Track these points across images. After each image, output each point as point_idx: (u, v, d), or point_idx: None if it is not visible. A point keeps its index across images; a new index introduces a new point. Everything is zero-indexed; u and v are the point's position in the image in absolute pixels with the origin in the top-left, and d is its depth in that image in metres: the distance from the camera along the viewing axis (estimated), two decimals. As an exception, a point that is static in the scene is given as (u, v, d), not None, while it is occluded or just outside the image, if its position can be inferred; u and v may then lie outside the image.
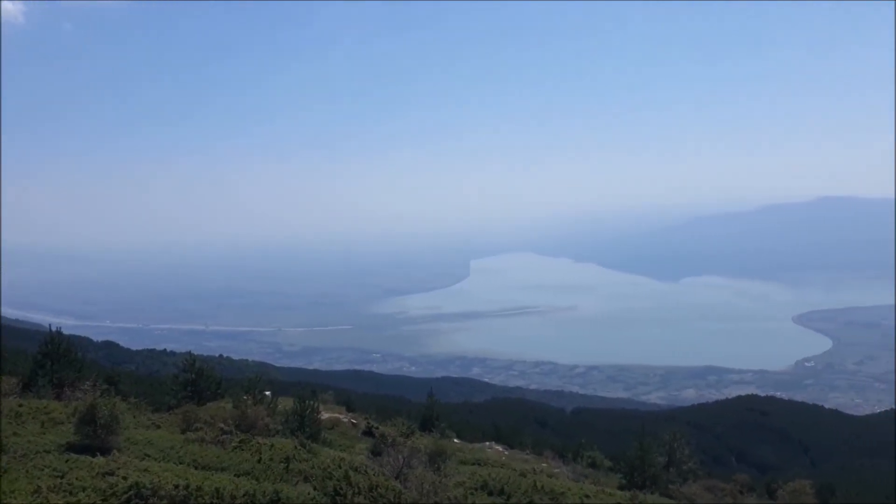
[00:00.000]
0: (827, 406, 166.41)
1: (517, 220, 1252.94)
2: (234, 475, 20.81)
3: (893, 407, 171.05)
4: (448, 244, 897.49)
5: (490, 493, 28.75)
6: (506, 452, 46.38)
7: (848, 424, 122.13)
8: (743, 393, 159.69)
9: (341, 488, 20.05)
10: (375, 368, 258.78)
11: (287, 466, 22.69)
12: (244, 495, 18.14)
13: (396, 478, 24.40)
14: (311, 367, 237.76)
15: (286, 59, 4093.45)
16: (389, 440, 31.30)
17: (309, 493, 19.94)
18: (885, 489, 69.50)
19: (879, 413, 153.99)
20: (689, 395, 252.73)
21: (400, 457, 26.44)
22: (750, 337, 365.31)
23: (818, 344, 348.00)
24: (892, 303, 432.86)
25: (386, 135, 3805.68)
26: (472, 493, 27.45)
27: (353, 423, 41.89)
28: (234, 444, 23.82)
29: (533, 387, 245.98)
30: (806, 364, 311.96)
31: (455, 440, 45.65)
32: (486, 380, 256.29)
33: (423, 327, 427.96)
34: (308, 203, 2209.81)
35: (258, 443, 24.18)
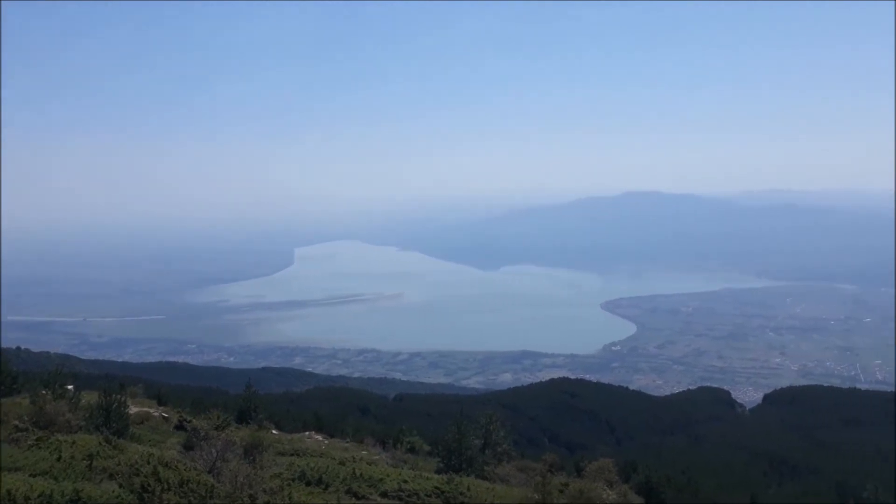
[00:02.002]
0: (631, 387, 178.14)
1: (344, 208, 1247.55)
2: (30, 475, 19.40)
3: (689, 388, 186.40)
4: (271, 231, 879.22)
5: (308, 483, 28.51)
6: (326, 441, 46.12)
7: (650, 404, 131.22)
8: (556, 376, 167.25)
9: (149, 485, 19.17)
10: (191, 360, 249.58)
11: (90, 464, 21.42)
12: (39, 496, 16.95)
13: (209, 472, 23.68)
14: (120, 360, 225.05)
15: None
16: (202, 434, 30.23)
17: (114, 492, 18.93)
18: (681, 464, 75.42)
19: (678, 393, 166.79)
20: (506, 379, 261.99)
21: (213, 450, 25.67)
22: (563, 323, 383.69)
23: (624, 329, 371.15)
24: (692, 290, 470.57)
25: (200, 118, 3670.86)
26: (289, 484, 27.09)
27: (164, 416, 40.18)
28: (29, 443, 22.18)
29: (356, 375, 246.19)
30: (613, 348, 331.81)
31: (274, 431, 44.86)
32: (309, 369, 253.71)
33: (244, 316, 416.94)
34: (116, 186, 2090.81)
35: (58, 440, 22.67)
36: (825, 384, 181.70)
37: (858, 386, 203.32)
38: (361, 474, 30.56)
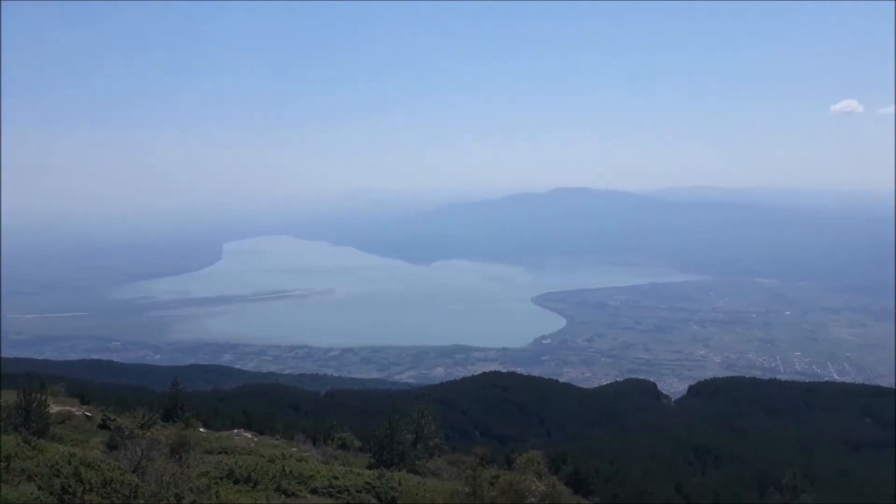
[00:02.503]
0: (561, 380, 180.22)
1: (275, 203, 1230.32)
2: (-60, 480, 18.65)
3: (616, 380, 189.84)
4: (198, 226, 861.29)
5: (236, 481, 28.19)
6: (255, 439, 45.59)
7: (579, 396, 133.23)
8: (488, 370, 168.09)
9: (70, 486, 18.65)
10: (115, 357, 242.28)
11: (7, 466, 20.72)
12: (-50, 501, 16.29)
13: (134, 471, 23.20)
14: (41, 358, 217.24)
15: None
16: (127, 433, 29.53)
17: (32, 493, 18.38)
18: (608, 455, 76.94)
19: (606, 385, 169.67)
20: (439, 374, 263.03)
21: (138, 449, 25.17)
22: (494, 317, 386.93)
23: (554, 322, 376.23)
24: (619, 285, 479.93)
25: (128, 112, 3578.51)
26: (217, 483, 26.75)
27: (87, 416, 39.13)
28: (-61, 446, 21.31)
29: (287, 371, 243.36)
30: (543, 341, 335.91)
31: (201, 429, 44.15)
32: (238, 366, 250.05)
33: (170, 313, 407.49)
34: (36, 179, 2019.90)
35: (-29, 443, 21.81)
36: (747, 375, 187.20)
37: (778, 377, 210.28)
38: (291, 471, 30.35)
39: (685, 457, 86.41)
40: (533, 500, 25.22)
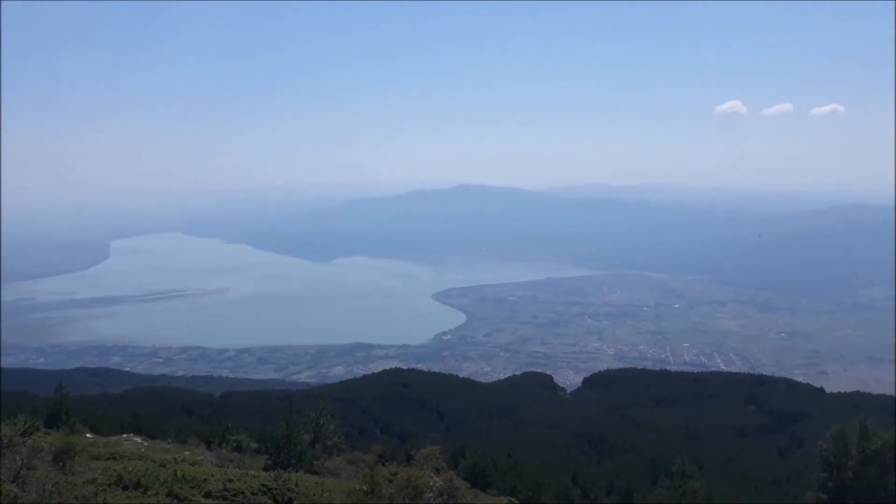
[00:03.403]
0: (461, 375, 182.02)
1: (167, 199, 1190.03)
2: None
3: (514, 374, 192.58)
4: (83, 222, 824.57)
5: (125, 488, 27.20)
6: (146, 444, 44.10)
7: (478, 391, 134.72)
8: (388, 367, 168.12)
9: (-61, 500, 17.48)
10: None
11: None
12: None
13: (13, 481, 22.00)
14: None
15: None
16: (6, 441, 27.92)
17: None
18: (507, 447, 78.01)
19: (504, 379, 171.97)
20: (339, 372, 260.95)
21: (18, 458, 23.87)
22: (395, 314, 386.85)
23: (454, 318, 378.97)
24: (518, 280, 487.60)
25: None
26: (104, 490, 25.75)
27: (-39, 425, 36.78)
28: None
29: (180, 374, 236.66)
30: (444, 337, 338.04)
31: (88, 435, 42.40)
32: (128, 369, 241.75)
33: (55, 315, 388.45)
34: None
35: None
36: (639, 367, 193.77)
37: (668, 368, 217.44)
38: (184, 475, 29.48)
39: (580, 447, 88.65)
40: (431, 495, 25.29)
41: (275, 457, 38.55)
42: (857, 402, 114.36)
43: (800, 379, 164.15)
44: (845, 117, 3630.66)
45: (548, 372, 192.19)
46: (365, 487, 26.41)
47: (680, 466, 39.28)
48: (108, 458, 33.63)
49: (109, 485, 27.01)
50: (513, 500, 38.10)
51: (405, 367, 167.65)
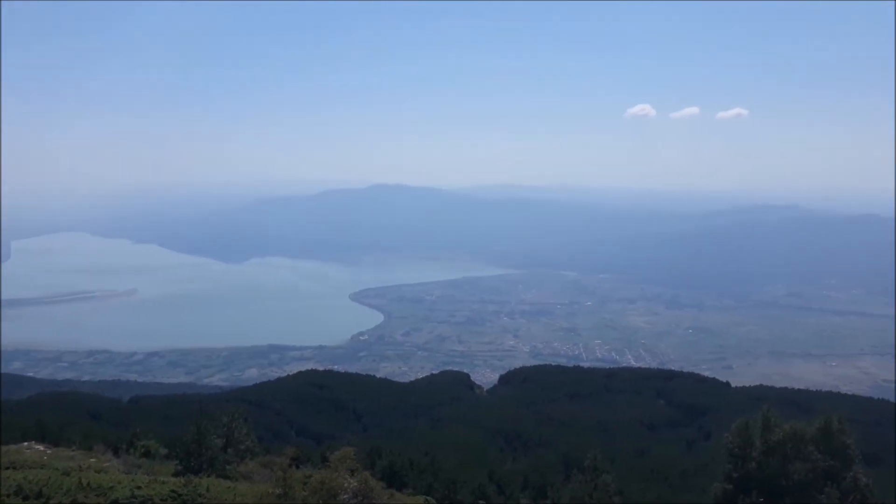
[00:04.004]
0: (378, 375, 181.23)
1: (71, 197, 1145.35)
2: None
3: (432, 373, 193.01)
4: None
5: (26, 498, 26.18)
6: (49, 451, 42.23)
7: (395, 391, 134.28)
8: (304, 369, 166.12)
9: None
10: None
11: None
12: None
13: None
14: None
15: None
16: None
17: None
18: (424, 446, 78.06)
19: (422, 378, 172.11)
20: (252, 375, 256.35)
21: None
22: (311, 315, 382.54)
23: (372, 318, 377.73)
24: (435, 279, 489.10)
25: None
26: (2, 501, 24.66)
27: None
28: None
29: (86, 378, 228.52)
30: (361, 338, 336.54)
31: (-15, 445, 40.30)
32: (31, 374, 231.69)
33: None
34: None
35: None
36: (553, 363, 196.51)
37: (581, 364, 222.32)
38: (89, 484, 28.46)
39: (497, 444, 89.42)
40: (345, 496, 25.04)
41: (185, 462, 37.51)
42: (760, 395, 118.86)
43: (706, 373, 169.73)
44: (749, 121, 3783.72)
45: (465, 370, 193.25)
46: (278, 490, 25.98)
47: (592, 461, 40.03)
48: (8, 468, 32.17)
49: (8, 495, 25.95)
50: (429, 498, 38.13)
51: (321, 369, 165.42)
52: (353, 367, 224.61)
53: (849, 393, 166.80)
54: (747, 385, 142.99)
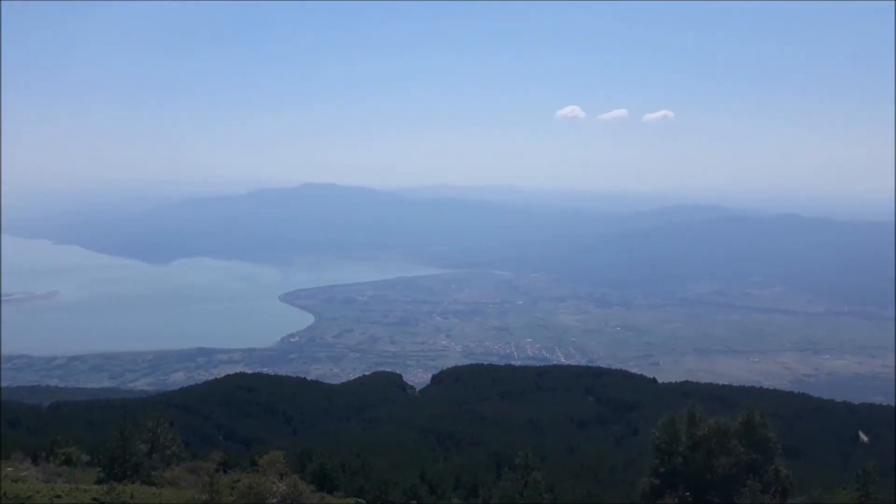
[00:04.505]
0: (309, 377, 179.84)
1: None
2: None
3: (364, 374, 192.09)
4: None
5: (-66, 512, 24.93)
6: (-39, 462, 40.45)
7: (326, 392, 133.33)
8: (232, 371, 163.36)
9: None
10: None
11: None
12: None
13: None
14: None
15: None
16: None
17: None
18: (356, 448, 77.62)
19: (354, 379, 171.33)
20: (179, 379, 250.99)
21: None
22: (240, 317, 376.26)
23: (303, 320, 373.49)
24: (367, 280, 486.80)
25: None
26: None
27: None
28: None
29: (4, 384, 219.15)
30: (291, 339, 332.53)
31: None
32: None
33: None
34: None
35: None
36: (485, 362, 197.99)
37: (513, 362, 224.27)
38: (5, 493, 27.43)
39: (429, 444, 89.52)
40: (273, 500, 24.67)
41: (108, 469, 36.44)
42: (686, 391, 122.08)
43: (634, 370, 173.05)
44: (675, 123, 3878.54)
45: (397, 371, 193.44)
46: (204, 496, 25.44)
47: (523, 459, 40.38)
48: (-85, 480, 30.71)
49: (-85, 509, 24.77)
50: (360, 500, 37.83)
51: (250, 372, 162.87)
52: (284, 370, 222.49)
53: (771, 388, 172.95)
54: (673, 381, 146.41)
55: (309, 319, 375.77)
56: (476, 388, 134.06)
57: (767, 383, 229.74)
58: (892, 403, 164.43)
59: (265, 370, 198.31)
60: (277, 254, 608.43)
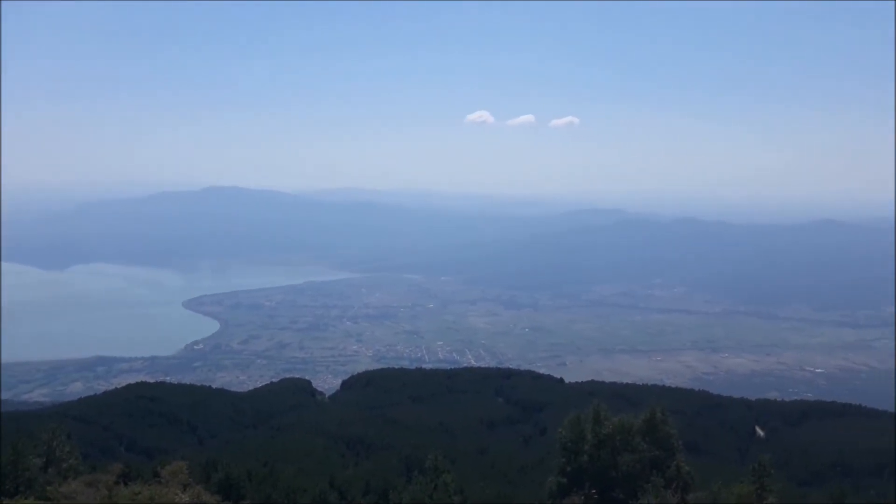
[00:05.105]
0: (214, 385, 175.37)
1: None
2: None
3: (272, 381, 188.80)
4: None
5: None
6: None
7: (233, 400, 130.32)
8: (133, 381, 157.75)
9: None
10: None
11: None
12: None
13: None
14: None
15: None
16: None
17: None
18: (263, 456, 76.30)
19: (261, 387, 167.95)
20: (77, 389, 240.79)
21: None
22: (142, 324, 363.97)
23: (208, 327, 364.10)
24: (276, 285, 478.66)
25: None
26: None
27: None
28: None
29: None
30: (195, 347, 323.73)
31: None
32: None
33: None
34: None
35: None
36: (396, 366, 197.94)
37: (424, 366, 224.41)
38: None
39: (338, 450, 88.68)
40: (176, 512, 23.98)
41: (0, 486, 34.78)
42: (592, 390, 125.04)
43: (542, 371, 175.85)
44: (580, 129, 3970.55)
45: (306, 377, 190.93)
46: (103, 511, 24.51)
47: (432, 461, 40.44)
48: None
49: None
50: (268, 509, 37.26)
51: (152, 381, 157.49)
52: (188, 378, 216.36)
53: (672, 386, 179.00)
54: (580, 381, 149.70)
55: (214, 326, 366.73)
56: (387, 392, 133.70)
57: (669, 381, 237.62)
58: (786, 399, 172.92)
59: (168, 379, 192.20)
60: (181, 259, 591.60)
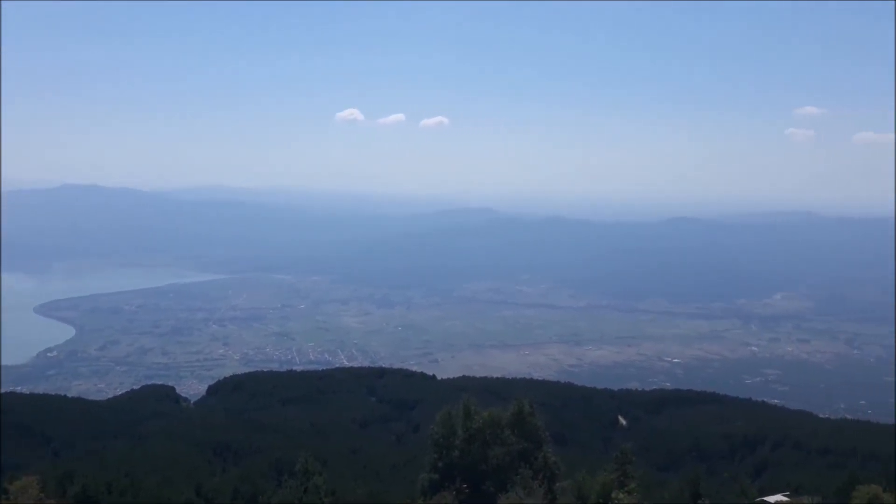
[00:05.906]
0: (70, 394, 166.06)
1: None
2: None
3: (133, 388, 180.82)
4: None
5: None
6: None
7: (91, 410, 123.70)
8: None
9: None
10: None
11: None
12: None
13: None
14: None
15: None
16: None
17: None
18: (124, 467, 72.70)
19: (121, 395, 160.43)
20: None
21: None
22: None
23: (62, 333, 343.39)
24: (136, 288, 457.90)
25: None
26: None
27: None
28: None
29: None
30: (49, 354, 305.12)
31: None
32: None
33: None
34: None
35: None
36: (265, 369, 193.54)
37: (294, 368, 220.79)
38: None
39: (205, 457, 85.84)
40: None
41: None
42: (463, 385, 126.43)
43: (415, 368, 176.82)
44: (449, 129, 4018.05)
45: (170, 383, 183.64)
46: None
47: (303, 464, 39.66)
48: None
49: None
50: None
51: (2, 391, 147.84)
52: (41, 388, 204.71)
53: (540, 379, 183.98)
54: (451, 377, 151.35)
55: (69, 332, 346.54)
56: (255, 396, 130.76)
57: (537, 374, 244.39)
58: (646, 388, 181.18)
59: (19, 389, 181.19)
60: (32, 261, 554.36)
